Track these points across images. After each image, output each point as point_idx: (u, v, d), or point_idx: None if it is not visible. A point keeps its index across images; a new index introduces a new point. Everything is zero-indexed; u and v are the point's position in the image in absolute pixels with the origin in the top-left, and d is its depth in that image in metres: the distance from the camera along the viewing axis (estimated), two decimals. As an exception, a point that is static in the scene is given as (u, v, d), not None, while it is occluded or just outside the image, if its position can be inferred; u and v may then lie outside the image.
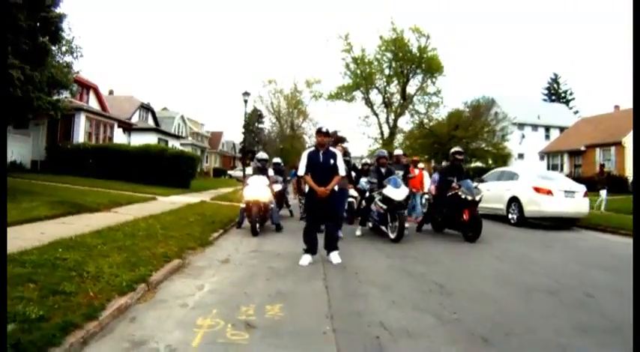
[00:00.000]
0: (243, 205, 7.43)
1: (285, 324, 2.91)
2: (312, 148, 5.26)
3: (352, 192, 8.57)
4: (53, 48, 8.83)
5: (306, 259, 4.92)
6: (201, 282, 4.02)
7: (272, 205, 7.46)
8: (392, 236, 6.57)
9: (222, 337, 2.69)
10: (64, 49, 10.29)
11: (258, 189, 7.08)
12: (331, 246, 5.09)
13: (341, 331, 2.77)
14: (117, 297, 3.31)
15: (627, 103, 27.77)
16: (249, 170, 8.15)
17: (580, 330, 2.94)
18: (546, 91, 51.98)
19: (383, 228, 6.93)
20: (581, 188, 9.72)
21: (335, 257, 5.01)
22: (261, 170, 7.75)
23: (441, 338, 2.69)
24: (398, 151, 10.09)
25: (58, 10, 9.20)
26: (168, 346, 2.58)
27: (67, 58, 10.67)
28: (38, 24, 8.59)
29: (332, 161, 5.00)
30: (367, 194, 7.60)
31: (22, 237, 4.94)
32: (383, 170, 7.27)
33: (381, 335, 2.69)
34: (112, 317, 3.06)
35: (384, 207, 6.66)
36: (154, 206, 9.35)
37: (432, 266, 4.98)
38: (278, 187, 8.74)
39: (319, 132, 5.15)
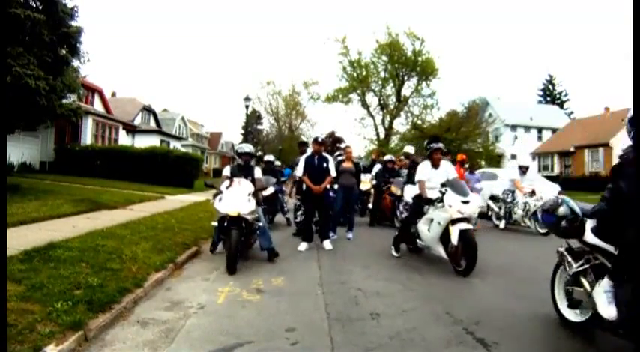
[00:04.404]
0: (215, 223, 5.07)
1: (287, 289, 3.91)
2: (309, 153, 6.22)
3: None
4: (73, 59, 9.65)
5: (303, 246, 5.90)
6: (216, 264, 4.93)
7: (260, 223, 5.14)
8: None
9: (239, 297, 3.64)
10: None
11: (237, 200, 4.83)
12: (324, 235, 6.08)
13: (328, 293, 3.75)
14: (153, 273, 4.21)
15: (619, 104, 28.69)
16: (226, 170, 5.59)
17: (512, 295, 3.84)
18: (542, 93, 53.07)
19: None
20: (556, 188, 10.70)
21: (327, 244, 6.01)
22: (243, 169, 5.47)
23: (402, 298, 3.69)
24: (410, 149, 9.13)
25: (75, 24, 10.02)
26: (199, 303, 3.50)
27: (75, 63, 11.31)
28: (59, 38, 9.41)
29: (325, 164, 6.01)
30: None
31: (59, 230, 5.78)
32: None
33: (358, 295, 3.69)
34: (152, 286, 3.96)
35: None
36: (164, 204, 10.23)
37: (407, 252, 5.82)
38: (270, 191, 7.08)
39: (315, 141, 6.20)
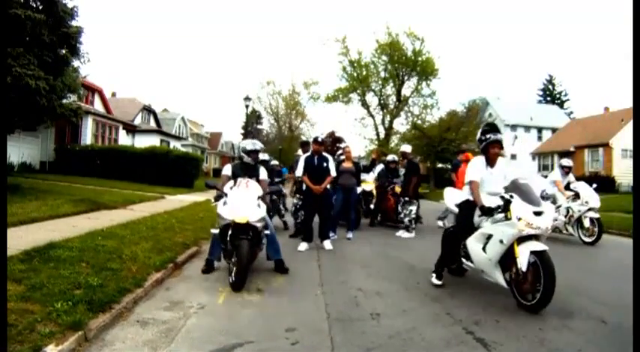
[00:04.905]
0: (215, 231, 4.36)
1: (287, 289, 3.92)
2: (309, 153, 6.23)
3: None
4: (73, 59, 9.65)
5: (303, 246, 5.91)
6: (217, 264, 4.92)
7: (267, 231, 4.48)
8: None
9: (240, 297, 3.64)
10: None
11: (245, 205, 4.15)
12: (324, 235, 6.10)
13: (329, 293, 3.77)
14: (153, 273, 4.20)
15: (619, 104, 28.74)
16: (226, 169, 4.94)
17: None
18: (542, 93, 53.15)
19: None
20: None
21: (327, 244, 6.03)
22: (248, 169, 4.76)
23: (402, 297, 3.70)
24: (406, 148, 8.98)
25: (75, 24, 10.02)
26: (199, 303, 3.50)
27: (75, 63, 11.27)
28: (59, 38, 9.41)
29: (325, 164, 6.03)
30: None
31: (58, 230, 5.78)
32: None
33: (358, 295, 3.70)
34: (152, 286, 3.95)
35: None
36: (164, 204, 10.23)
37: (407, 251, 5.88)
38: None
39: (315, 141, 6.21)
